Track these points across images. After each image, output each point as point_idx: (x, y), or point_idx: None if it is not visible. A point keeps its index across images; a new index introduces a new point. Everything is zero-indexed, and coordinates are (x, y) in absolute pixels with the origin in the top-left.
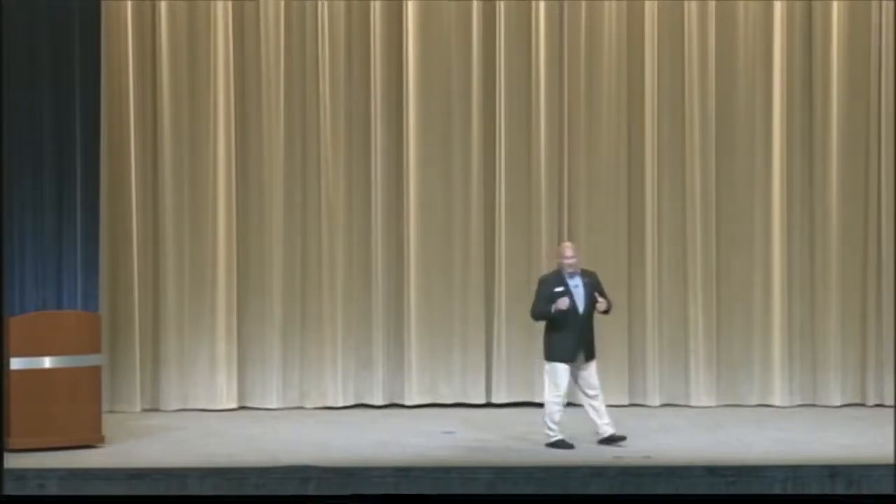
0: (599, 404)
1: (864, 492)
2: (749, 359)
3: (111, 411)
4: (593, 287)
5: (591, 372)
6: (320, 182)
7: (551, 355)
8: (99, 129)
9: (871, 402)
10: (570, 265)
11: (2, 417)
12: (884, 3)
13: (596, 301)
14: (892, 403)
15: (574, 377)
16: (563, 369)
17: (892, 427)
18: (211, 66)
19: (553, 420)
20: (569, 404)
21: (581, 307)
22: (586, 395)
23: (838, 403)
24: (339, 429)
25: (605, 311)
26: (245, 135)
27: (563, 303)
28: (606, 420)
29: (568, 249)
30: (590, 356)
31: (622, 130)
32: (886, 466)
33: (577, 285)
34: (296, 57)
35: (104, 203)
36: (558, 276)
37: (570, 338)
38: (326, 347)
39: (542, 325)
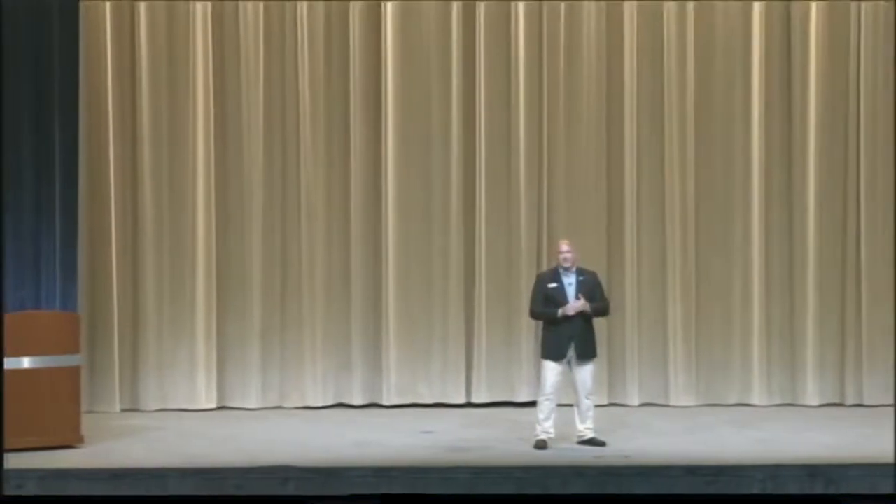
0: (585, 408)
1: (843, 491)
2: (728, 358)
3: (90, 411)
4: (590, 285)
5: (585, 372)
6: (300, 183)
7: (541, 352)
8: (78, 130)
9: (849, 402)
10: (565, 259)
11: (1, 418)
12: (862, 5)
13: (593, 299)
14: (870, 403)
15: (570, 376)
16: (550, 367)
17: (870, 427)
18: (190, 68)
19: (538, 418)
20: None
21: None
22: (576, 394)
23: (817, 403)
24: (319, 429)
25: (595, 314)
26: (224, 136)
27: (570, 308)
28: (589, 425)
29: (564, 244)
30: (584, 356)
31: (601, 132)
32: (864, 466)
33: (570, 283)
34: (275, 58)
35: (83, 203)
36: (553, 272)
37: (559, 335)
38: (306, 347)
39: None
